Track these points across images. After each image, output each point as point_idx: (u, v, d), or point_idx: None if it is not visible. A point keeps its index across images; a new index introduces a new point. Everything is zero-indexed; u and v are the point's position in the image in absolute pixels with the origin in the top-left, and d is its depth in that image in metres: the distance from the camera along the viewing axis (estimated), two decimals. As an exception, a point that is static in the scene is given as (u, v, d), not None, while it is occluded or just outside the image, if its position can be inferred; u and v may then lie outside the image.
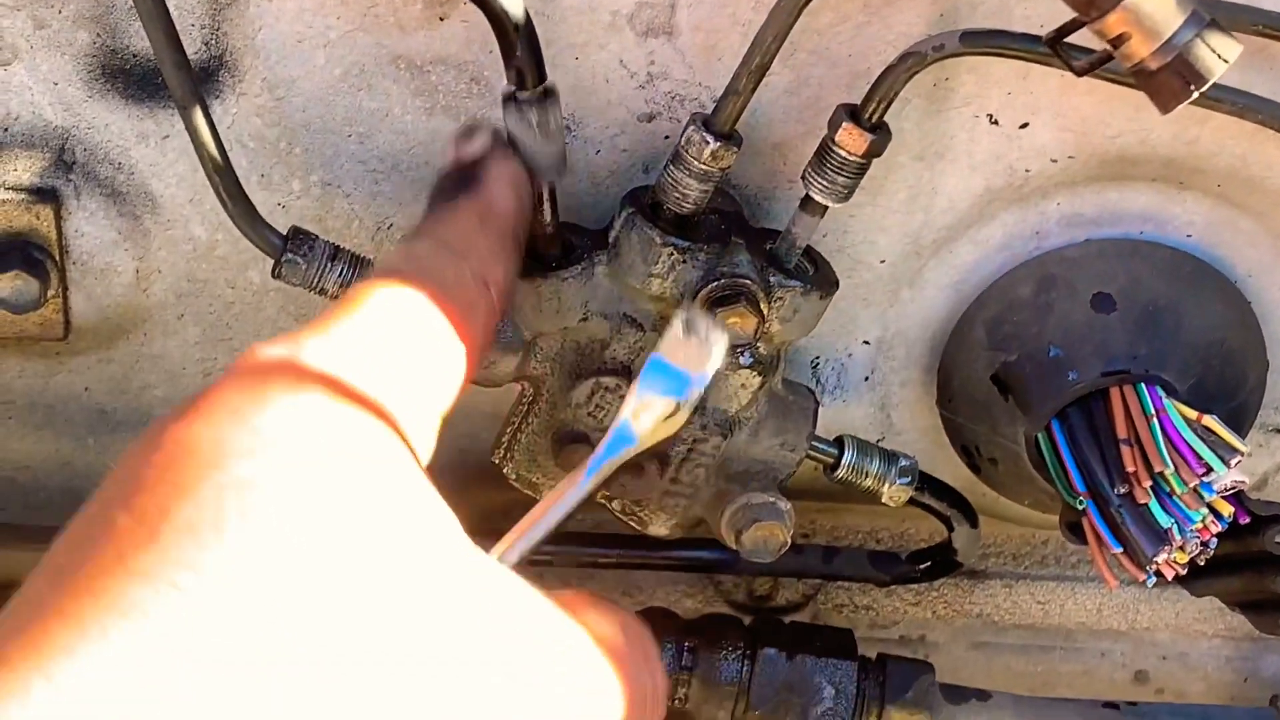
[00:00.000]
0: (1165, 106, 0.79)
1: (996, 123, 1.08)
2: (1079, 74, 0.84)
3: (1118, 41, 0.77)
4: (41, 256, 1.07)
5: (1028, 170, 1.10)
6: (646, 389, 0.82)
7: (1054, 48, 0.84)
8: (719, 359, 0.82)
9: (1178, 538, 1.06)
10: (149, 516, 0.61)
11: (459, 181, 0.92)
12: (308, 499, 0.64)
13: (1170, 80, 0.78)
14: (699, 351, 0.81)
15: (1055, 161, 1.09)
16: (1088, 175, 1.10)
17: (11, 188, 1.06)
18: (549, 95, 0.96)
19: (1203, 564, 1.09)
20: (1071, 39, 0.86)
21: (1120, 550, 1.07)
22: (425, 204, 0.92)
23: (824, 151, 1.01)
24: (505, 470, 1.11)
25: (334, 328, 0.74)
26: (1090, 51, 0.83)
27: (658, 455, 1.08)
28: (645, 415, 0.82)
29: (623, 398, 1.05)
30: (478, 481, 1.24)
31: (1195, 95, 0.78)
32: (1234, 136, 1.08)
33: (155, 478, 0.63)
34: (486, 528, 1.32)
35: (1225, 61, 0.77)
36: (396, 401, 0.73)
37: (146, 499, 0.62)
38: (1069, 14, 0.82)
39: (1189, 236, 1.14)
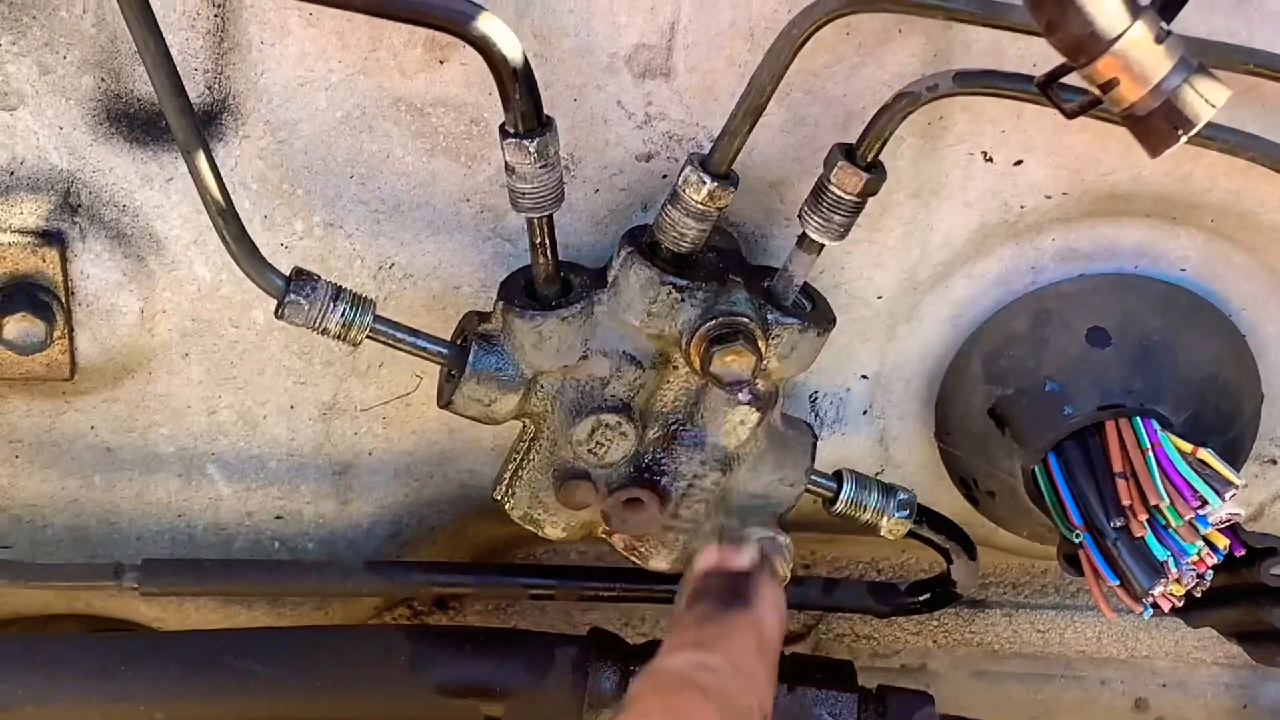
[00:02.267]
0: (1154, 150, 0.79)
1: (991, 160, 1.09)
2: (1070, 116, 0.85)
3: (1107, 86, 0.78)
4: (47, 298, 1.08)
5: (1022, 206, 1.11)
6: None
7: (1045, 91, 0.85)
8: None
9: (1173, 570, 1.07)
10: None
11: (728, 593, 0.95)
12: None
13: (1159, 124, 0.78)
14: None
15: (1049, 198, 1.10)
16: (1082, 211, 1.11)
17: (18, 230, 1.07)
18: (547, 126, 0.97)
19: (1199, 596, 1.10)
20: (1064, 79, 0.87)
21: (1116, 583, 1.08)
22: (683, 598, 0.97)
23: (820, 190, 1.02)
24: (506, 507, 1.11)
25: None
26: (1083, 91, 0.83)
27: (657, 491, 1.09)
28: None
29: (623, 435, 1.06)
30: (479, 517, 1.25)
31: (1183, 140, 0.78)
32: (1226, 173, 1.09)
33: None
34: (484, 562, 1.34)
35: (1213, 106, 0.78)
36: None
37: None
38: (1061, 56, 0.83)
39: (1183, 271, 1.15)
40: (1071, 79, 0.85)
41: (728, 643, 0.91)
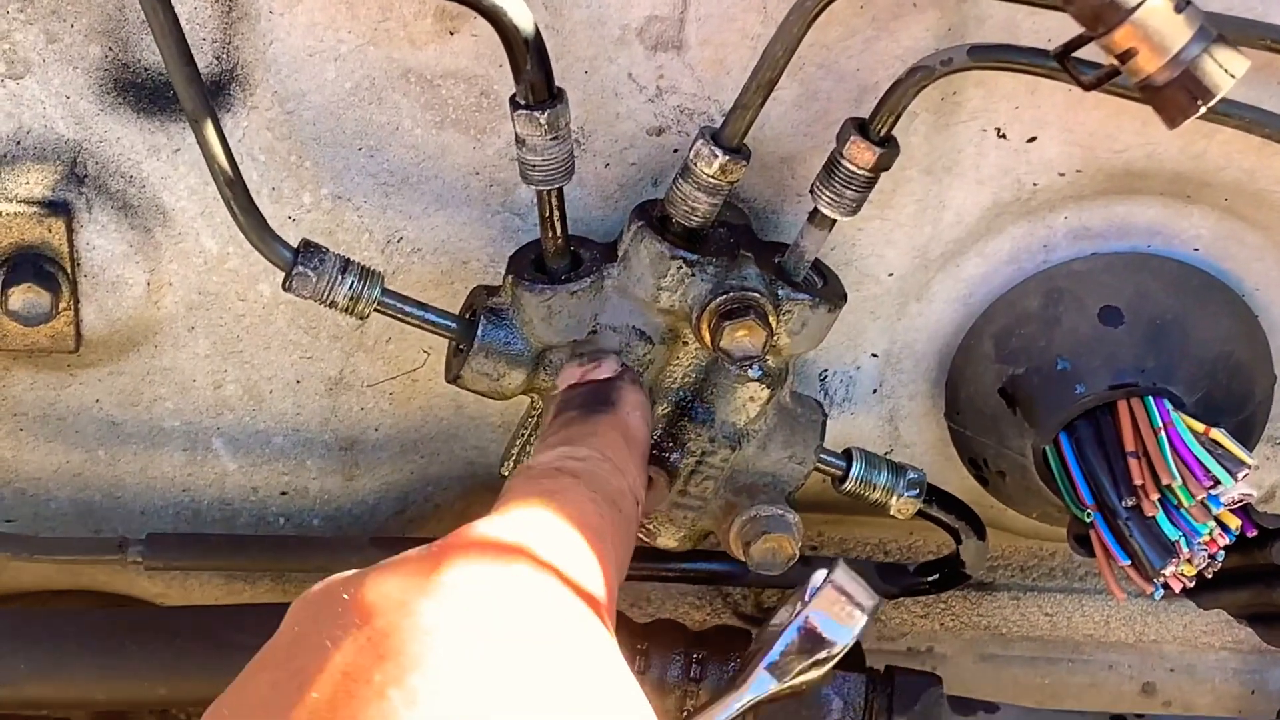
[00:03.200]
0: (1172, 121, 0.79)
1: (1004, 137, 1.08)
2: (1086, 89, 0.84)
3: (1125, 56, 0.78)
4: (53, 269, 1.08)
5: (1035, 184, 1.10)
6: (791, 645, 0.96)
7: (1062, 62, 0.84)
8: (865, 620, 0.89)
9: (1185, 550, 1.06)
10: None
11: (590, 399, 1.00)
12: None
13: (1177, 95, 0.78)
14: (846, 611, 0.96)
15: (1063, 175, 1.09)
16: (1095, 189, 1.11)
17: (23, 200, 1.07)
18: (558, 98, 0.97)
19: (1210, 577, 1.09)
20: (1079, 54, 0.87)
21: (1128, 563, 1.08)
22: (552, 409, 1.00)
23: (832, 165, 1.01)
24: (514, 482, 1.11)
25: (523, 512, 0.82)
26: (1098, 66, 0.83)
27: (665, 467, 1.08)
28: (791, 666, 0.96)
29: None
30: (486, 493, 1.24)
31: (1202, 110, 0.78)
32: (1241, 150, 1.08)
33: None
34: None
35: (1232, 77, 0.77)
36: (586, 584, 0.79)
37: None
38: (1077, 28, 0.82)
39: (1196, 250, 1.14)
40: (1088, 53, 0.84)
41: (593, 438, 0.94)
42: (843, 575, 0.97)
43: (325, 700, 0.66)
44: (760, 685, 0.95)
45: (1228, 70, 0.77)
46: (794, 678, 0.95)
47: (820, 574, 0.99)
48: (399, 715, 0.65)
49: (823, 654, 0.96)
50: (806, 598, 1.00)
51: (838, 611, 0.94)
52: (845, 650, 0.94)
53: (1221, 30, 0.94)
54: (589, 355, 1.03)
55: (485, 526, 0.79)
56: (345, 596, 0.71)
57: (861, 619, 0.96)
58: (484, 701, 0.67)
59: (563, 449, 0.92)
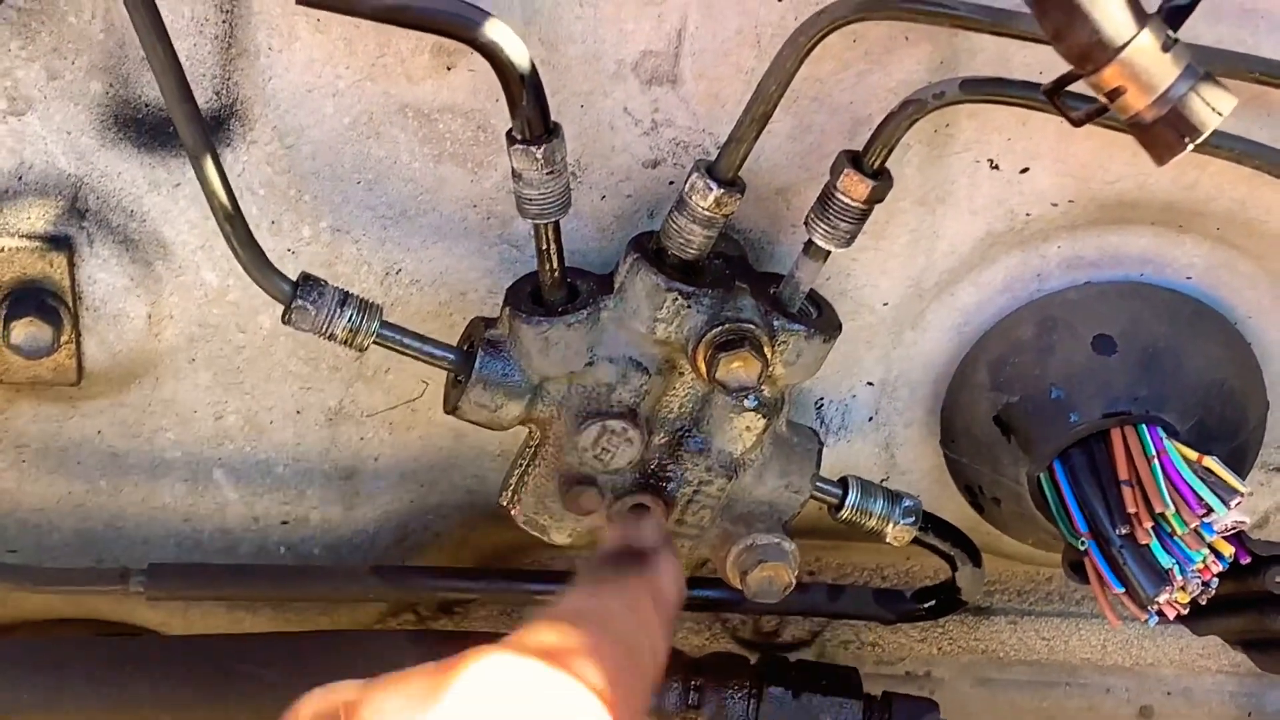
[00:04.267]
0: (1160, 159, 0.79)
1: (997, 168, 1.09)
2: (1076, 124, 0.85)
3: (1114, 94, 0.78)
4: (55, 303, 1.08)
5: (1028, 214, 1.11)
6: None
7: (1052, 99, 0.85)
8: None
9: (1179, 578, 1.07)
10: None
11: (628, 559, 1.00)
12: None
13: (1165, 133, 0.78)
14: None
15: (1055, 205, 1.10)
16: (1088, 219, 1.12)
17: (25, 235, 1.08)
18: (554, 132, 0.98)
19: (1204, 603, 1.10)
20: (1072, 86, 0.87)
21: (1122, 590, 1.08)
22: (586, 567, 1.00)
23: (826, 197, 1.02)
24: (513, 512, 1.11)
25: (535, 642, 0.81)
26: (1089, 99, 0.84)
27: (662, 497, 1.09)
28: None
29: (629, 441, 1.06)
30: (485, 522, 1.25)
31: (1190, 148, 0.78)
32: (1232, 181, 1.09)
33: None
34: (490, 568, 1.34)
35: (1219, 114, 0.78)
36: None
37: None
38: (1068, 64, 0.83)
39: (1189, 279, 1.15)
40: (1078, 87, 0.85)
41: (624, 595, 0.94)
42: None
43: None
44: None
45: (1215, 108, 0.78)
46: None
47: None
48: None
49: None
50: None
51: None
52: None
53: (1212, 63, 0.96)
54: (630, 511, 1.06)
55: (496, 653, 0.78)
56: (342, 716, 0.71)
57: None
58: None
59: (592, 600, 0.93)
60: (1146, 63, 0.78)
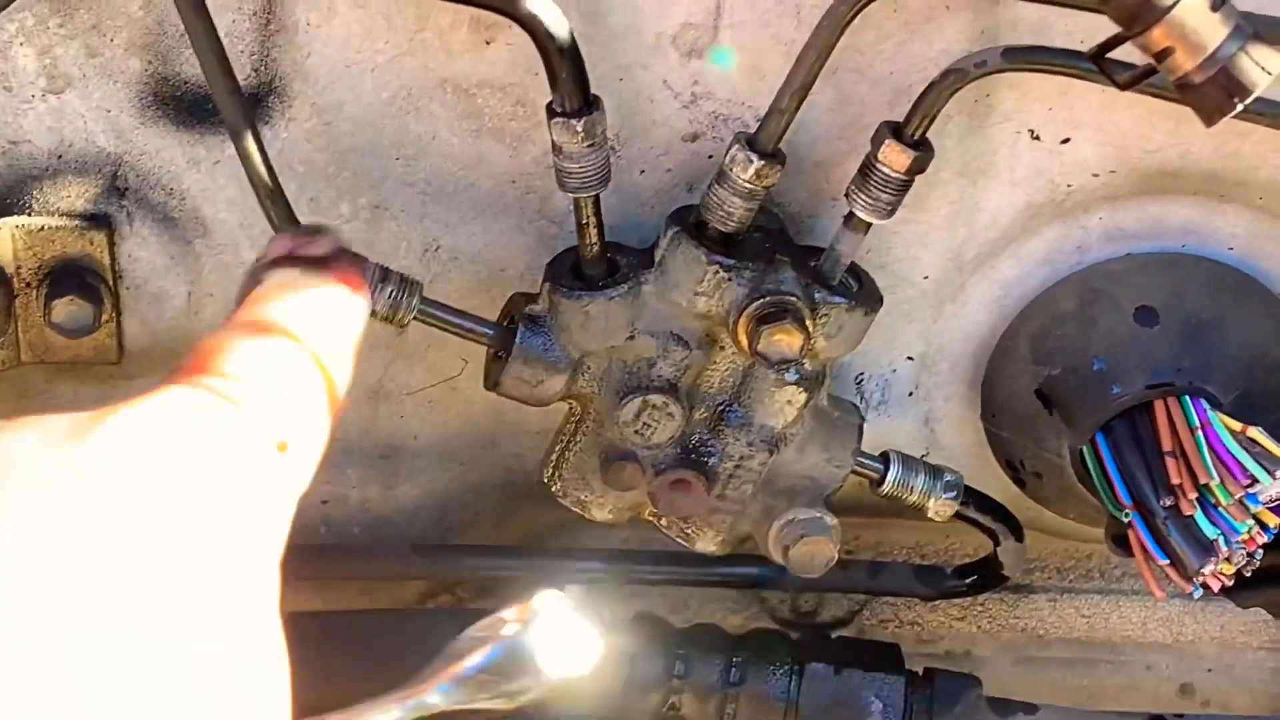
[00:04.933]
0: (1209, 119, 0.79)
1: (1038, 138, 1.08)
2: (1123, 88, 0.85)
3: (1162, 55, 0.78)
4: (95, 282, 1.08)
5: (1069, 185, 1.10)
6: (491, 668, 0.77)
7: (1098, 63, 0.85)
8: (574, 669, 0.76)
9: (1224, 549, 1.06)
10: None
11: (302, 268, 0.84)
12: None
13: (1214, 93, 0.78)
14: (570, 643, 0.78)
15: (1097, 176, 1.10)
16: (1129, 189, 1.11)
17: (65, 214, 1.08)
18: (594, 105, 0.97)
19: (1248, 575, 1.09)
20: (1113, 54, 0.87)
21: (1166, 562, 1.08)
22: (245, 284, 0.86)
23: (867, 169, 1.02)
24: (554, 489, 1.11)
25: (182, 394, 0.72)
26: (1132, 67, 0.83)
27: (704, 471, 1.09)
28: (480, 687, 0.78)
29: (670, 415, 1.06)
30: (525, 500, 1.25)
31: (1239, 108, 0.78)
32: (1276, 149, 1.08)
33: None
34: (530, 546, 1.34)
35: (1269, 74, 0.78)
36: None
37: None
38: (1110, 29, 0.82)
39: (1231, 249, 1.14)
40: (1122, 54, 0.85)
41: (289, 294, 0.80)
42: (573, 603, 0.80)
43: None
44: (436, 697, 0.79)
45: (1265, 67, 0.78)
46: (475, 699, 0.79)
47: (551, 595, 0.81)
48: None
49: (519, 685, 0.77)
50: (530, 617, 0.81)
51: (562, 642, 0.78)
52: (544, 688, 0.78)
53: (1257, 29, 0.95)
54: (305, 230, 0.91)
55: (148, 402, 0.69)
56: None
57: (585, 664, 0.79)
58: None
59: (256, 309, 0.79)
60: (1195, 22, 0.77)
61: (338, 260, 0.85)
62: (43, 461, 0.62)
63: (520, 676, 0.76)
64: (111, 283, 1.09)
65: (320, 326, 0.78)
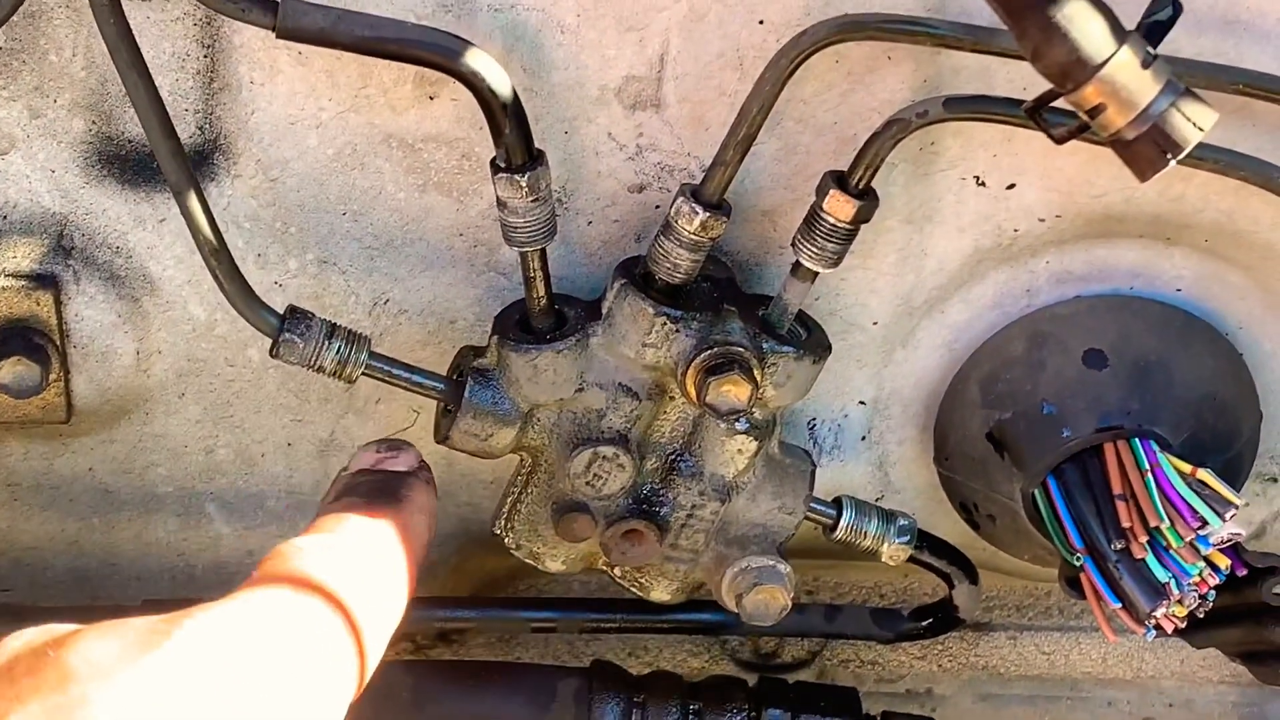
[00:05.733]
0: (1143, 175, 0.79)
1: (983, 184, 1.09)
2: (1059, 142, 0.85)
3: (1094, 112, 0.78)
4: (42, 342, 1.08)
5: (1016, 230, 1.11)
6: None
7: (1034, 116, 0.85)
8: None
9: (1175, 591, 1.07)
10: None
11: (377, 490, 0.91)
12: None
13: (1147, 149, 0.78)
14: None
15: (1043, 221, 1.10)
16: (1075, 233, 1.11)
17: (11, 274, 1.07)
18: (538, 160, 0.97)
19: (1202, 616, 1.09)
20: (1054, 103, 0.87)
21: (1119, 605, 1.08)
22: (333, 491, 0.92)
23: (813, 219, 1.02)
24: (506, 541, 1.11)
25: (260, 597, 0.75)
26: (1071, 114, 0.83)
27: (656, 522, 1.09)
28: None
29: (621, 466, 1.06)
30: (479, 549, 1.25)
31: (1172, 164, 0.78)
32: (1219, 192, 1.09)
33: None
34: (486, 596, 1.34)
35: (1200, 130, 0.78)
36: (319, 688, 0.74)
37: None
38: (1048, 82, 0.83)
39: (1178, 291, 1.15)
40: (1061, 103, 0.85)
41: (370, 532, 0.85)
42: None
43: None
44: None
45: (1196, 124, 0.78)
46: None
47: None
48: None
49: None
50: None
51: None
52: None
53: (1193, 75, 0.96)
54: (389, 444, 0.98)
55: (222, 607, 0.72)
56: (49, 652, 0.65)
57: None
58: None
59: (331, 541, 0.84)
60: (1126, 80, 0.77)
61: (416, 478, 0.93)
62: (122, 673, 0.64)
63: None
64: (59, 342, 1.09)
65: (369, 602, 0.81)
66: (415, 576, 0.87)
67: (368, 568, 0.82)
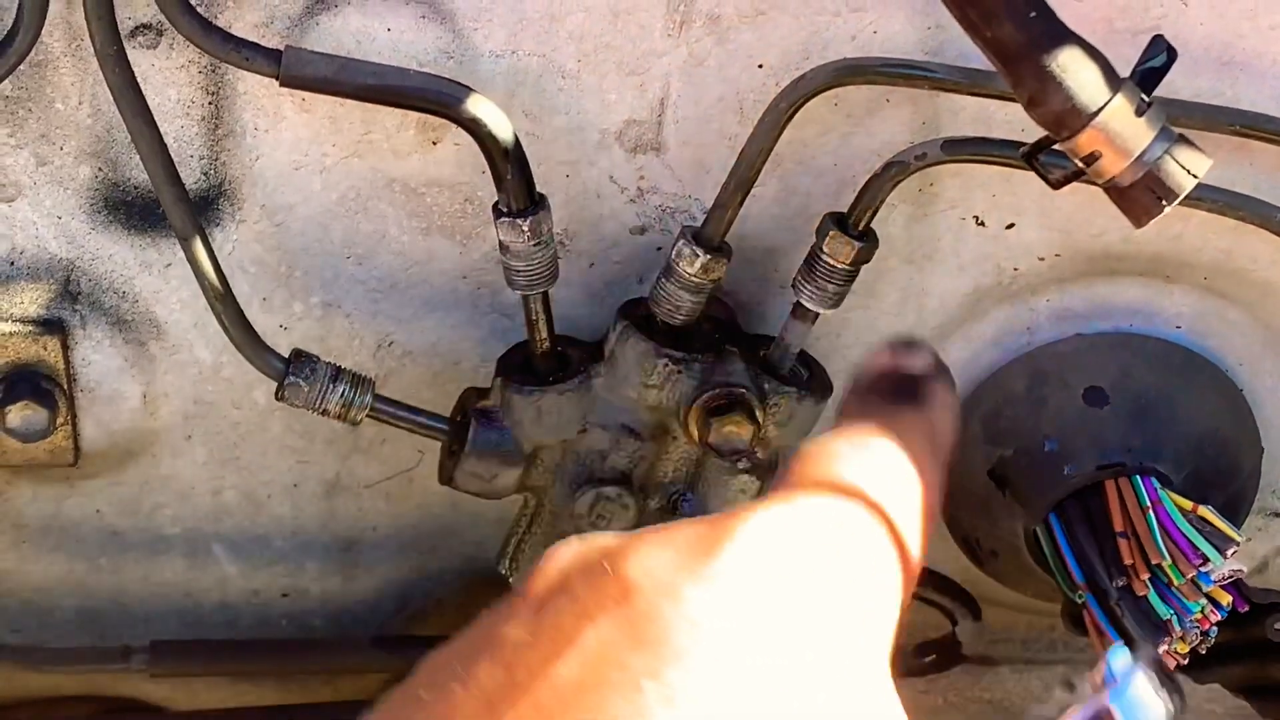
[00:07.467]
0: (1139, 221, 0.80)
1: (983, 224, 1.09)
2: (1055, 187, 0.86)
3: (1090, 159, 0.79)
4: (50, 386, 1.09)
5: (1016, 269, 1.11)
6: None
7: (1030, 161, 0.86)
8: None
9: (1177, 628, 1.07)
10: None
11: (898, 390, 0.86)
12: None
13: (1142, 196, 0.79)
14: (1154, 701, 0.76)
15: (1042, 259, 1.11)
16: (1075, 272, 1.12)
17: (19, 320, 1.08)
18: (540, 204, 0.98)
19: (1204, 653, 1.10)
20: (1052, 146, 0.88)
21: (1120, 643, 1.08)
22: (848, 394, 0.86)
23: (813, 260, 1.03)
24: (510, 580, 1.12)
25: (809, 502, 0.70)
26: (1067, 159, 0.84)
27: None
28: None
29: (624, 506, 1.06)
30: (486, 587, 1.25)
31: (1167, 210, 0.79)
32: (1217, 231, 1.09)
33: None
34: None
35: (1195, 177, 0.79)
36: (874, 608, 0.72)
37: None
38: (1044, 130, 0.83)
39: (1178, 328, 1.15)
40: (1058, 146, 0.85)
41: (896, 434, 0.80)
42: (1149, 663, 0.82)
43: (573, 679, 0.59)
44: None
45: (1190, 170, 0.79)
46: None
47: (1123, 656, 0.83)
48: (652, 712, 0.58)
49: None
50: (1107, 681, 0.82)
51: (1147, 699, 0.78)
52: None
53: (1190, 116, 0.97)
54: (904, 344, 0.90)
55: (769, 511, 0.68)
56: (605, 566, 0.63)
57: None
58: (745, 715, 0.60)
59: (859, 442, 0.78)
60: (1121, 127, 0.78)
61: (936, 377, 0.86)
62: (684, 584, 0.62)
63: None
64: (66, 386, 1.10)
65: (908, 511, 0.74)
66: (944, 475, 0.82)
67: (902, 474, 0.77)
